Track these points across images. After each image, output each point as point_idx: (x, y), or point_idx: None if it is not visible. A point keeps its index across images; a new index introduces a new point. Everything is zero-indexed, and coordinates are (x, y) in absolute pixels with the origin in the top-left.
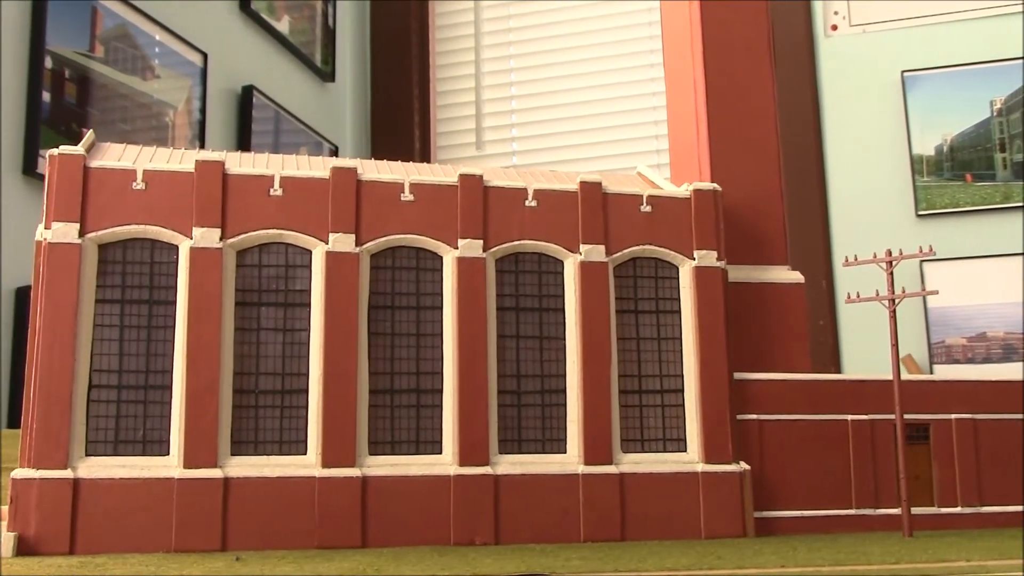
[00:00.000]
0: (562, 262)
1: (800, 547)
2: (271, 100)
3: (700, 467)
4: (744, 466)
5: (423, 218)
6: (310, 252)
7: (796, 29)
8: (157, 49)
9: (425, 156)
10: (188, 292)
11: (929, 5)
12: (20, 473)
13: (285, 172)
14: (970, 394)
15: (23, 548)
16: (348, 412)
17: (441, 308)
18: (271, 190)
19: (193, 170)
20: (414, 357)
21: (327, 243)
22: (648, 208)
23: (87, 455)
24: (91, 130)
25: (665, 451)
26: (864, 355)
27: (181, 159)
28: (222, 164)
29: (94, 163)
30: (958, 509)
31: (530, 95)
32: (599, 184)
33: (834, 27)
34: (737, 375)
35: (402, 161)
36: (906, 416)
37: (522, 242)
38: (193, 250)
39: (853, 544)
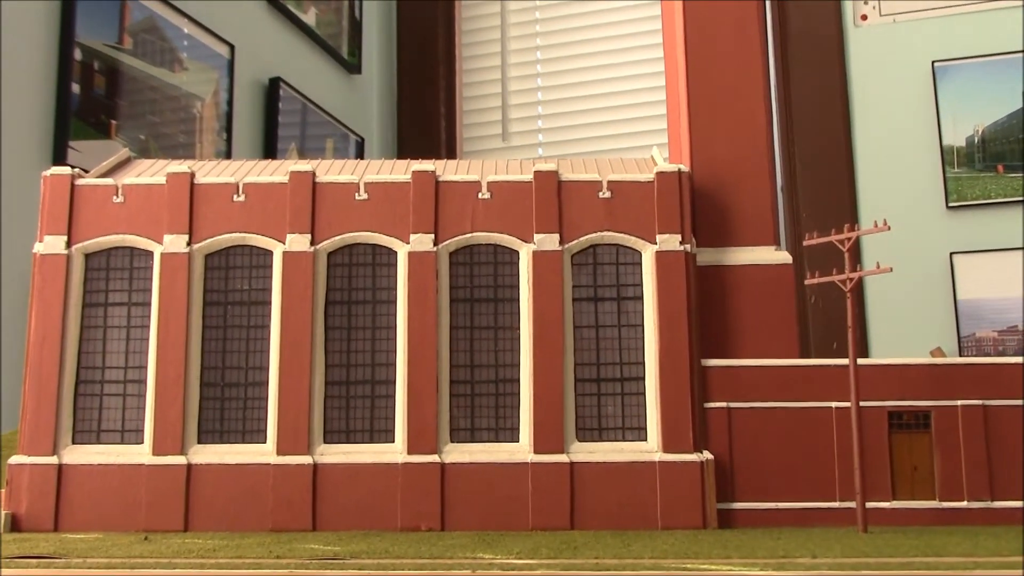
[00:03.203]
0: (517, 252)
1: (743, 541)
2: (298, 92)
3: (658, 456)
4: (707, 455)
5: (378, 216)
6: (271, 253)
7: (826, 19)
8: (185, 41)
9: (451, 147)
10: (159, 294)
11: None
12: (16, 459)
13: (247, 179)
14: (980, 378)
15: (15, 525)
16: (303, 403)
17: (395, 302)
18: (235, 196)
19: (164, 182)
20: (370, 350)
21: (285, 244)
22: (608, 194)
23: (73, 443)
24: (126, 147)
25: (624, 440)
26: (893, 345)
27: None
28: (191, 175)
29: (80, 180)
30: (964, 504)
31: (556, 86)
32: (554, 173)
33: (864, 17)
34: (705, 362)
35: (429, 153)
36: (904, 403)
37: (475, 234)
38: (164, 255)
39: (795, 538)
